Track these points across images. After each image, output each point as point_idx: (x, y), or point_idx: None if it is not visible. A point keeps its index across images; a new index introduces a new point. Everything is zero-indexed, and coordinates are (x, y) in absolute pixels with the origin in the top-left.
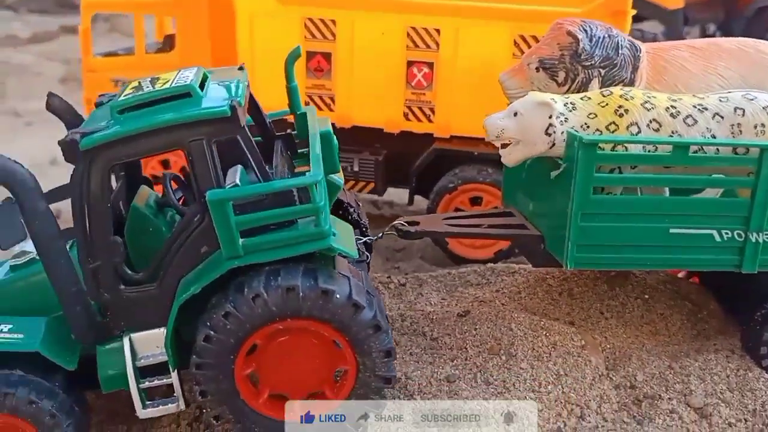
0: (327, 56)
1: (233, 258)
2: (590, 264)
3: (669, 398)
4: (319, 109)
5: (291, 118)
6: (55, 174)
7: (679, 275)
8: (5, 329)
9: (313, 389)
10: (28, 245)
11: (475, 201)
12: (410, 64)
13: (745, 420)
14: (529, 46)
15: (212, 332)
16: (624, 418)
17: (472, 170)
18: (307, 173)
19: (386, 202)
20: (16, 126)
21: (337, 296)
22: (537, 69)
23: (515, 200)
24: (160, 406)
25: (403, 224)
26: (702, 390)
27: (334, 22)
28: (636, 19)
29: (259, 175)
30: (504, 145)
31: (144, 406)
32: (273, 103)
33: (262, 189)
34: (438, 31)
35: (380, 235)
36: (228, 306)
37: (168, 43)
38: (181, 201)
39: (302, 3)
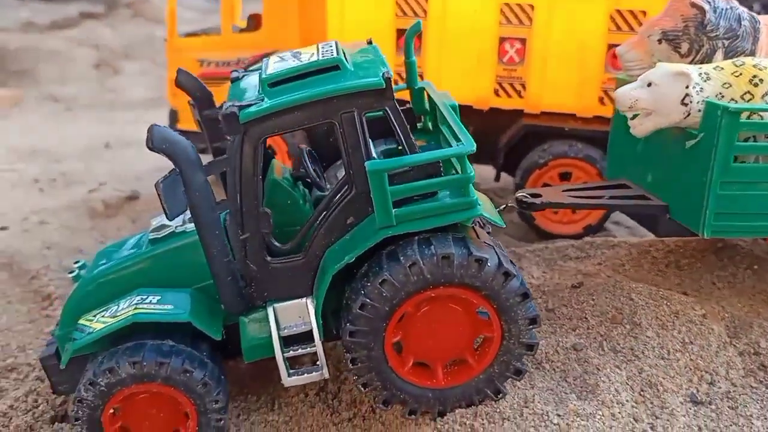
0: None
1: (387, 227)
2: (727, 232)
3: None
4: None
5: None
6: (110, 157)
7: None
8: (154, 300)
9: (454, 357)
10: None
11: (564, 176)
12: (502, 40)
13: None
14: (627, 22)
15: (368, 300)
16: (752, 383)
17: (562, 146)
18: (457, 144)
19: None
20: (57, 111)
21: (489, 265)
22: (659, 41)
23: (626, 172)
24: (305, 375)
25: (525, 196)
26: None
27: None
28: None
29: (406, 146)
30: (634, 115)
31: (290, 375)
32: None
33: (419, 159)
34: (532, 6)
35: (502, 207)
36: (384, 274)
37: (252, 23)
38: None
39: None
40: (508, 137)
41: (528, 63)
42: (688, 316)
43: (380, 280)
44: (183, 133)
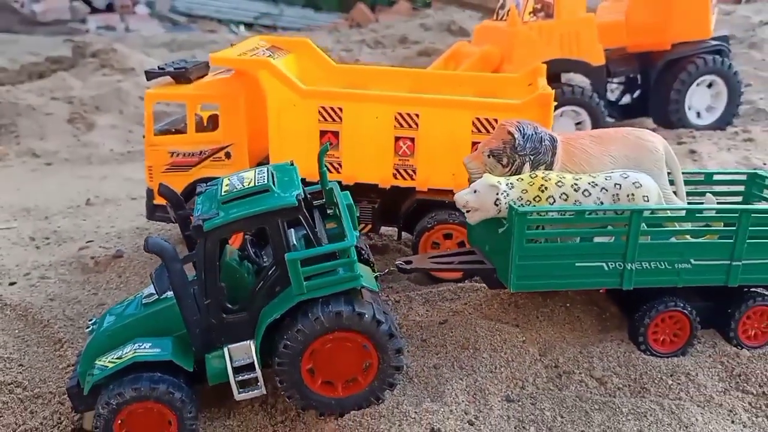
0: (335, 133)
1: (300, 294)
2: (526, 288)
3: (579, 372)
4: (330, 171)
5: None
6: (93, 214)
7: None
8: (147, 346)
9: (349, 376)
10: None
11: (447, 236)
12: (397, 139)
13: (629, 386)
14: (484, 126)
15: (289, 342)
16: (550, 387)
17: (444, 214)
18: (345, 238)
19: (378, 235)
20: (38, 166)
21: (366, 316)
22: (489, 156)
23: (476, 242)
24: (250, 392)
25: (402, 263)
26: (601, 366)
27: (341, 109)
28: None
29: (313, 238)
30: (467, 210)
31: (239, 392)
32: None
33: (321, 251)
34: (417, 115)
35: (386, 271)
36: (299, 325)
37: (211, 123)
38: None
39: (317, 96)
40: (406, 207)
41: (417, 155)
42: (513, 342)
43: (296, 329)
44: (159, 207)
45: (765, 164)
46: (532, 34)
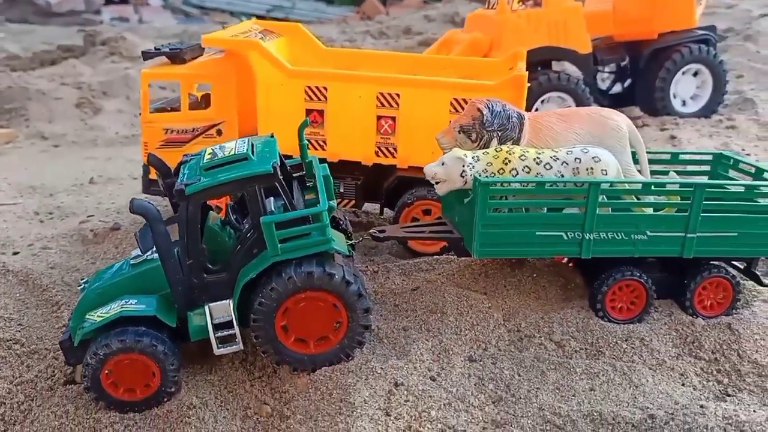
0: (321, 112)
1: (275, 256)
2: (488, 254)
3: (539, 336)
4: (315, 149)
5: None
6: (96, 191)
7: (563, 261)
8: (133, 302)
9: (321, 334)
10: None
11: (427, 211)
12: (379, 117)
13: (586, 349)
14: (461, 106)
15: (263, 300)
16: (511, 349)
17: (423, 190)
18: (318, 204)
19: (363, 212)
20: (46, 148)
21: (337, 277)
22: (459, 132)
23: (448, 213)
24: (229, 347)
25: (375, 232)
26: (560, 331)
27: (326, 88)
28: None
29: (288, 205)
30: (437, 182)
31: (218, 348)
32: (282, 145)
33: (293, 215)
34: (398, 95)
35: (360, 239)
36: (273, 284)
37: (204, 101)
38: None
39: (304, 76)
40: (387, 184)
41: (398, 133)
42: (479, 308)
43: (270, 288)
44: (154, 181)
45: (743, 150)
46: (520, 22)
